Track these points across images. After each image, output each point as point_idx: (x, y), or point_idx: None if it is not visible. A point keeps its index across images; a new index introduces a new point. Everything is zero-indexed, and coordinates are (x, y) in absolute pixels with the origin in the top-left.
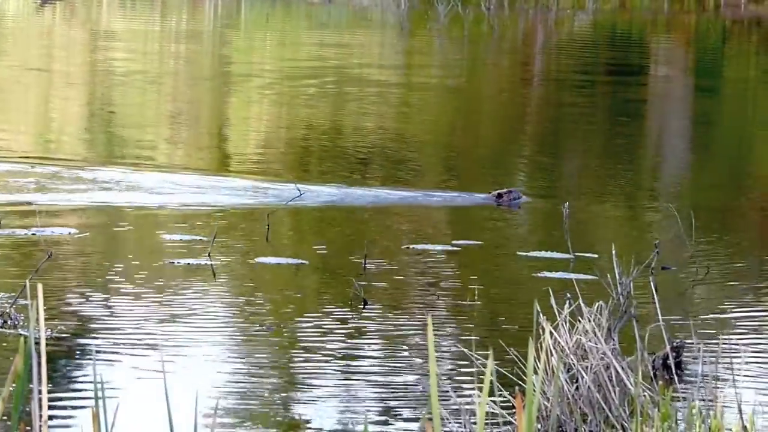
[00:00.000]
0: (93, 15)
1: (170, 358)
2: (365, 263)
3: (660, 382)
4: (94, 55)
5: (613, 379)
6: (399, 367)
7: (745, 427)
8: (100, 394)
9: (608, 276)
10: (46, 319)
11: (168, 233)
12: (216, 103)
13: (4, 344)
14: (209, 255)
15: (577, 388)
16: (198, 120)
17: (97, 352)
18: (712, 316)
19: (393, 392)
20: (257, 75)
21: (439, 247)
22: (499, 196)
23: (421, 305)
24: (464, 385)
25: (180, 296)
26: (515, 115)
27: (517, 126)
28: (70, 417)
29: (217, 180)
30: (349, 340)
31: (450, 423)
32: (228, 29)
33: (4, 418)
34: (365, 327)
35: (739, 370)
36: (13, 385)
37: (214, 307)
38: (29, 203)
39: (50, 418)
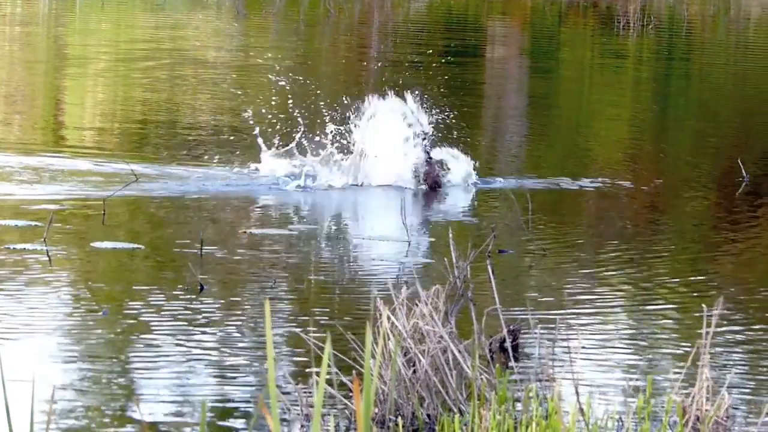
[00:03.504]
0: None
1: (5, 345)
2: (201, 248)
3: (497, 366)
4: None
5: (451, 362)
6: (236, 351)
7: (582, 409)
8: None
9: (445, 260)
10: None
11: (1, 218)
12: (52, 86)
13: None
14: (44, 240)
15: (414, 371)
16: (33, 102)
17: None
18: (549, 298)
19: (230, 376)
20: (94, 57)
21: (276, 232)
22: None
23: (259, 289)
24: (302, 370)
25: (14, 282)
26: (352, 97)
27: (354, 107)
28: None
29: (53, 163)
30: (185, 325)
31: (287, 407)
32: (63, 12)
33: None
34: (202, 311)
35: (576, 352)
36: None
37: (50, 292)
38: None
39: None
